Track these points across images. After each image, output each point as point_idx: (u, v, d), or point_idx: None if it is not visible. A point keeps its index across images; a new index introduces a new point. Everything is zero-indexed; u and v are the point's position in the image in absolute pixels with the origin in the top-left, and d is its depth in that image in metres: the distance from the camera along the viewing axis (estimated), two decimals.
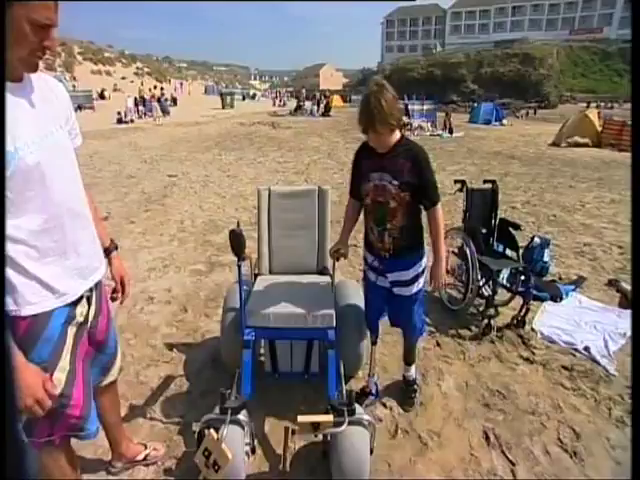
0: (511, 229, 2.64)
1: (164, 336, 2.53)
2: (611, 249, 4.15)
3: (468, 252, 2.49)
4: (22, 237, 0.91)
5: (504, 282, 2.70)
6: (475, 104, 23.70)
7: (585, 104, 29.16)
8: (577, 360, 2.37)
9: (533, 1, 54.34)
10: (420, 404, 1.97)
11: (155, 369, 2.21)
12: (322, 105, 22.56)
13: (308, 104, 23.16)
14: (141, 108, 18.35)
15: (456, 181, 2.79)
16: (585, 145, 12.17)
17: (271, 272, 2.14)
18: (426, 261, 1.77)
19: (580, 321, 2.79)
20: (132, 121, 16.21)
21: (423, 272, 1.75)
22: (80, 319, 1.09)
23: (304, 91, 29.74)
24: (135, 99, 18.53)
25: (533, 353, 2.42)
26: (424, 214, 1.71)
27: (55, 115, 1.02)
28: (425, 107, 17.32)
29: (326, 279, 2.03)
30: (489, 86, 38.27)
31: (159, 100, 19.68)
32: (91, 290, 1.13)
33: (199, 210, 5.17)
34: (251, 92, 44.17)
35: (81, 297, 1.08)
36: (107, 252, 1.27)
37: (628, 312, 2.87)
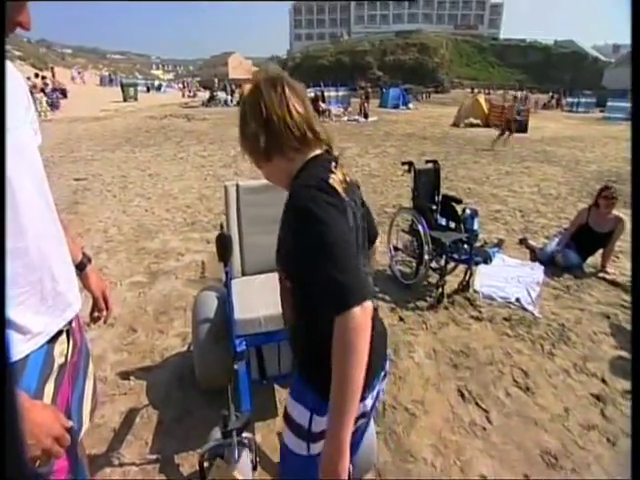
0: (453, 203, 2.88)
1: (114, 364, 2.19)
2: (515, 213, 4.86)
3: (421, 229, 2.66)
4: None
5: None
6: (383, 90, 25.16)
7: (470, 90, 33.48)
8: (512, 311, 2.75)
9: None
10: (399, 378, 2.07)
11: (112, 405, 1.89)
12: (236, 94, 21.70)
13: (221, 94, 22.04)
14: None
15: (403, 163, 2.93)
16: (477, 125, 13.91)
17: (244, 274, 2.01)
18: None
19: (507, 277, 3.22)
20: None
21: (316, 436, 0.84)
22: (61, 360, 0.86)
23: (217, 81, 28.12)
24: None
25: (480, 312, 2.72)
26: None
27: (12, 104, 0.76)
28: (340, 94, 17.86)
29: None
30: (393, 73, 40.98)
31: (43, 91, 16.76)
32: (70, 322, 0.91)
33: (123, 215, 4.60)
34: (156, 83, 40.29)
35: (60, 332, 0.86)
36: (80, 267, 1.04)
37: (537, 264, 3.41)
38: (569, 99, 24.78)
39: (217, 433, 1.32)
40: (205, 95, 23.54)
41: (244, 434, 1.31)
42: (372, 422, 1.46)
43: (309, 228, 0.71)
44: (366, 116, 15.24)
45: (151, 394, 1.96)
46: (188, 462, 1.58)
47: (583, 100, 24.04)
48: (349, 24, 62.16)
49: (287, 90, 0.82)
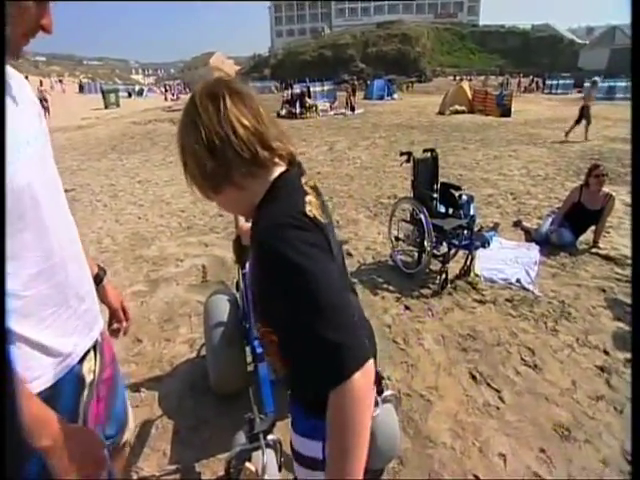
0: (452, 190, 2.92)
1: (123, 377, 2.17)
2: (507, 196, 4.94)
3: (422, 218, 2.69)
4: (15, 287, 0.66)
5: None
6: (367, 82, 25.18)
7: (452, 77, 33.74)
8: (514, 291, 2.81)
9: None
10: (412, 366, 2.11)
11: None
12: None
13: None
14: None
15: (402, 153, 2.95)
16: (462, 112, 14.02)
17: None
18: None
19: (506, 259, 3.29)
20: None
21: (322, 466, 0.70)
22: (90, 378, 0.85)
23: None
24: None
25: (483, 295, 2.78)
26: None
27: (30, 115, 0.75)
28: (326, 88, 17.81)
29: None
30: (376, 64, 40.88)
31: None
32: (96, 340, 0.90)
33: (117, 225, 4.54)
34: (137, 87, 39.56)
35: (88, 351, 0.86)
36: (97, 280, 1.01)
37: (533, 244, 3.49)
38: (548, 81, 25.15)
39: (242, 437, 1.32)
40: (187, 98, 23.17)
41: (270, 436, 1.32)
42: (393, 410, 1.49)
43: (290, 281, 0.58)
44: (353, 109, 15.24)
45: (164, 404, 1.93)
46: (210, 470, 1.58)
47: (562, 82, 24.52)
48: (330, 18, 61.73)
49: (229, 101, 0.64)
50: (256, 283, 0.68)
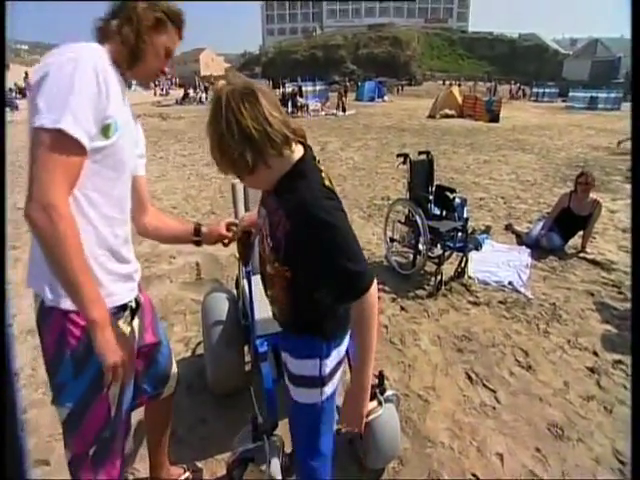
0: (447, 193, 2.95)
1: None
2: (498, 200, 5.04)
3: (418, 219, 2.72)
4: (113, 228, 0.95)
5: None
6: (358, 83, 25.30)
7: (442, 82, 34.23)
8: (507, 294, 2.87)
9: None
10: (409, 366, 2.13)
11: None
12: (210, 92, 21.20)
13: (193, 92, 21.46)
14: None
15: (399, 155, 2.97)
16: (452, 116, 14.26)
17: (253, 273, 1.98)
18: (340, 357, 1.04)
19: (498, 262, 3.35)
20: None
21: (327, 377, 1.00)
22: (127, 332, 1.01)
23: (197, 78, 27.18)
24: None
25: (477, 297, 2.82)
26: None
27: (138, 131, 1.10)
28: (317, 88, 17.80)
29: None
30: (366, 66, 41.10)
31: None
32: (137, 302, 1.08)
33: None
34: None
35: (125, 307, 1.01)
36: (198, 231, 1.22)
37: (524, 248, 3.58)
38: (535, 89, 25.80)
39: (244, 437, 1.31)
40: (178, 93, 22.87)
41: (274, 436, 1.31)
42: (395, 410, 1.50)
43: (326, 235, 0.82)
44: (344, 110, 15.29)
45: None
46: (209, 470, 1.56)
47: (547, 90, 25.19)
48: (321, 18, 61.72)
49: (261, 99, 0.79)
50: (288, 235, 0.86)
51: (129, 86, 1.00)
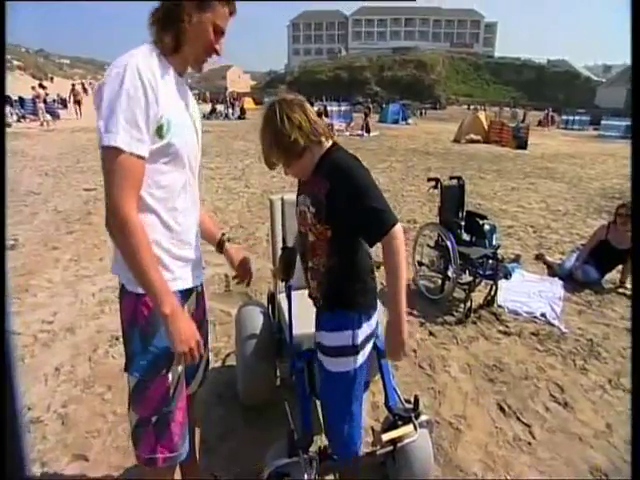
0: (477, 219, 2.94)
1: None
2: (527, 229, 4.93)
3: (449, 245, 2.71)
4: (157, 208, 0.99)
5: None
6: (382, 105, 25.66)
7: (466, 106, 34.23)
8: (539, 326, 2.79)
9: (421, 15, 61.34)
10: (439, 392, 2.09)
11: None
12: (237, 107, 21.95)
13: (220, 107, 22.25)
14: (17, 110, 15.36)
15: (429, 179, 2.99)
16: (478, 141, 14.18)
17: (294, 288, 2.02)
18: (370, 329, 1.20)
19: (529, 292, 3.26)
20: (8, 125, 13.52)
21: (359, 346, 1.16)
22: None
23: (228, 93, 28.22)
24: (8, 98, 15.39)
25: (507, 326, 2.76)
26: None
27: (197, 115, 1.11)
28: (342, 108, 18.18)
29: None
30: (390, 88, 41.75)
31: (45, 101, 16.84)
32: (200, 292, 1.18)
33: None
34: None
35: (191, 291, 1.10)
36: (221, 245, 1.28)
37: (557, 279, 3.47)
38: (564, 117, 25.23)
39: (279, 451, 1.32)
40: (205, 107, 23.79)
41: (310, 452, 1.31)
42: (429, 436, 1.48)
43: (356, 182, 1.09)
44: (368, 131, 15.50)
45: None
46: None
47: (578, 118, 24.25)
48: (347, 40, 63.55)
49: (304, 105, 1.14)
50: (327, 193, 1.10)
51: (182, 77, 1.02)
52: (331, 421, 1.26)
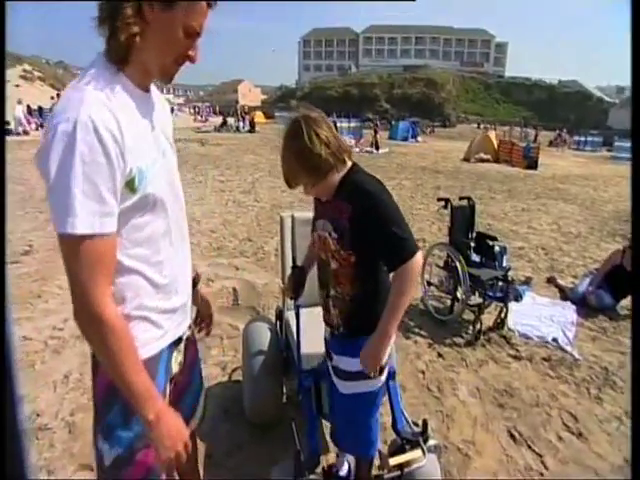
0: (488, 240, 2.93)
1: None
2: (538, 251, 4.86)
3: (459, 266, 2.69)
4: (139, 268, 0.83)
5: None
6: (392, 122, 25.94)
7: (476, 125, 34.41)
8: (551, 351, 2.72)
9: (431, 34, 62.54)
10: (447, 416, 2.05)
11: None
12: (247, 121, 22.32)
13: (231, 120, 22.64)
14: (36, 119, 15.83)
15: (439, 199, 3.00)
16: (488, 160, 14.18)
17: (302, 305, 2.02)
18: (390, 352, 1.21)
19: (540, 316, 3.20)
20: (26, 133, 13.90)
21: (379, 371, 1.16)
22: (175, 369, 0.95)
23: (239, 107, 28.80)
24: (28, 107, 15.92)
25: (518, 350, 2.70)
26: None
27: (166, 129, 0.92)
28: (352, 125, 18.40)
29: None
30: (400, 106, 42.25)
31: None
32: (184, 334, 1.01)
33: None
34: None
35: (180, 340, 0.96)
36: (194, 283, 1.08)
37: (569, 303, 3.40)
38: (576, 137, 24.99)
39: (285, 471, 1.31)
40: (216, 120, 24.19)
41: (316, 473, 1.29)
42: (437, 462, 1.45)
43: (380, 207, 1.07)
44: (377, 147, 15.64)
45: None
46: None
47: (590, 139, 23.87)
48: (357, 57, 64.84)
49: (328, 121, 1.12)
50: (350, 218, 1.08)
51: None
52: (345, 442, 1.33)
